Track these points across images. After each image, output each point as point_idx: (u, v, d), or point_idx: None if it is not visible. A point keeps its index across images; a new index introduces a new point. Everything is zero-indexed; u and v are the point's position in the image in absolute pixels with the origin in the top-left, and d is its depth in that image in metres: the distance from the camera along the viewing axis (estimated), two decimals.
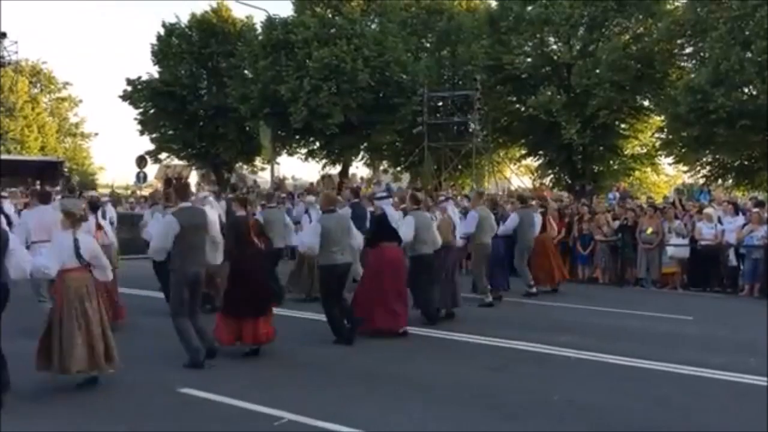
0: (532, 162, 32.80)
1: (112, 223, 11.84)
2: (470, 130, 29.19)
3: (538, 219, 12.95)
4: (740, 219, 14.36)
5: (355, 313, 8.57)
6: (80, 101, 47.39)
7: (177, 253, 7.09)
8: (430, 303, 9.69)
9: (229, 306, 7.49)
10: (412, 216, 9.39)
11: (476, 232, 11.10)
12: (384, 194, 12.45)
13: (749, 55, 22.06)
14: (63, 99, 47.02)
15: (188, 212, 7.32)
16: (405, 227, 9.34)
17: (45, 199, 9.25)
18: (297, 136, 29.84)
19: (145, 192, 27.25)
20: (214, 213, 9.20)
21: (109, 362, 6.26)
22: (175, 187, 8.35)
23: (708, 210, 14.84)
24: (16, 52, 35.52)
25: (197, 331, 7.17)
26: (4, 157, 31.86)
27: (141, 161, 29.03)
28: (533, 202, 13.73)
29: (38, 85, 46.00)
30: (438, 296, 9.77)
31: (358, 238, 8.90)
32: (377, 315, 8.66)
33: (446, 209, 11.17)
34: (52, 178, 24.66)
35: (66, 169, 30.07)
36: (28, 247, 7.60)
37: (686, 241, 14.52)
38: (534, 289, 12.60)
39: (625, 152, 29.54)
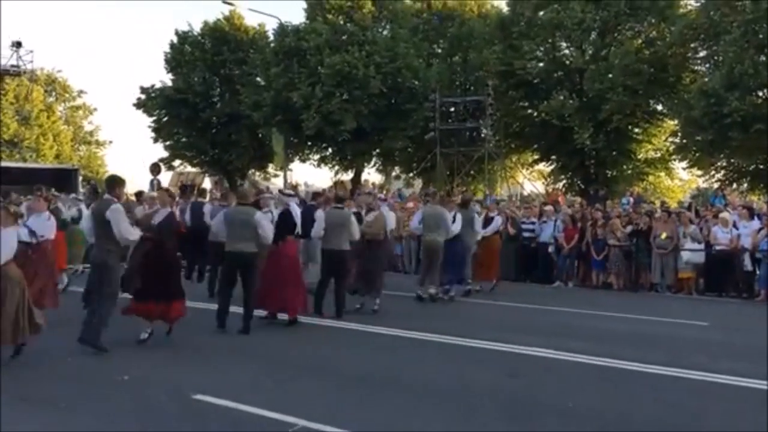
0: (545, 167, 32.68)
1: None
2: (482, 135, 29.17)
3: (478, 220, 13.27)
4: (756, 223, 14.24)
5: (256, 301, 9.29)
6: (95, 109, 47.77)
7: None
8: (321, 296, 10.38)
9: None
10: (323, 212, 10.15)
11: (423, 228, 12.08)
12: (290, 192, 13.07)
13: (763, 58, 21.93)
14: (78, 107, 47.37)
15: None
16: (316, 223, 10.31)
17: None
18: (309, 143, 29.93)
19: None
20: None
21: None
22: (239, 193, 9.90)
23: (723, 214, 14.73)
24: (32, 62, 35.92)
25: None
26: (21, 165, 32.18)
27: (155, 168, 29.14)
28: (475, 205, 14.49)
29: (53, 93, 46.39)
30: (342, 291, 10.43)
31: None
32: (270, 300, 9.54)
33: (380, 207, 12.10)
34: (67, 185, 24.81)
35: (81, 176, 30.20)
36: None
37: (701, 246, 14.41)
38: (469, 287, 12.89)
39: (639, 157, 29.37)
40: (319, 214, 10.48)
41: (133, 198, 13.99)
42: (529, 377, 7.26)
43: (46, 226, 9.73)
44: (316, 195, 12.64)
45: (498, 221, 14.24)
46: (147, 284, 8.15)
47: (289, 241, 9.83)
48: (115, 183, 8.18)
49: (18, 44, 35.29)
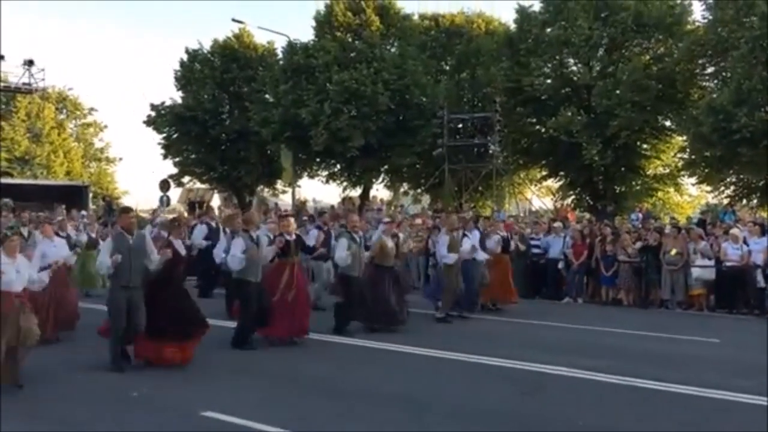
0: (553, 183, 32.64)
1: None
2: (490, 151, 29.19)
3: (467, 241, 12.58)
4: (766, 240, 14.15)
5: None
6: (105, 127, 48.02)
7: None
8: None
9: None
10: (241, 239, 9.51)
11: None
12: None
13: None
14: (88, 125, 47.69)
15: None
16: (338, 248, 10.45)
17: None
18: (318, 159, 30.01)
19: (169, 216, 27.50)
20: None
21: None
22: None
23: (734, 231, 14.65)
24: (44, 80, 36.31)
25: None
26: (32, 182, 32.42)
27: (164, 185, 29.32)
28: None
29: (64, 111, 46.74)
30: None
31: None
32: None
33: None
34: (78, 202, 24.99)
35: (94, 194, 30.46)
36: None
37: (712, 263, 14.33)
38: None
39: (647, 173, 29.28)
40: (342, 241, 10.54)
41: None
42: (540, 395, 7.22)
43: (56, 253, 9.68)
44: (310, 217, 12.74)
45: (493, 240, 13.57)
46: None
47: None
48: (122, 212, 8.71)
49: (30, 62, 35.70)
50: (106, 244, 8.16)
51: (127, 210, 8.94)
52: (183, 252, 8.48)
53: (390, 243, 11.10)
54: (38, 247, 9.94)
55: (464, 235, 12.36)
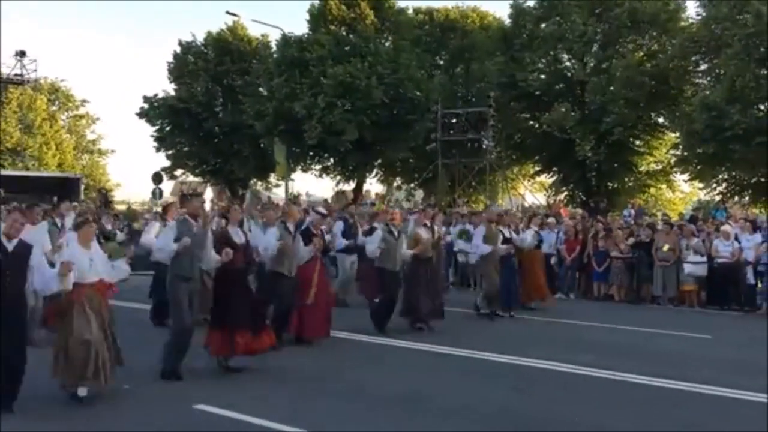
0: (546, 179, 32.74)
1: None
2: (484, 146, 29.24)
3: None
4: (758, 236, 14.22)
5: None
6: (98, 119, 47.72)
7: None
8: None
9: None
10: (275, 228, 9.21)
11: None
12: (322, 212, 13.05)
13: (764, 71, 22.01)
14: (81, 116, 47.42)
15: None
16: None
17: None
18: (311, 153, 30.00)
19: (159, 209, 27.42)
20: None
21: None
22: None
23: (725, 227, 14.71)
24: (35, 71, 36.12)
25: None
26: (23, 173, 32.23)
27: (157, 178, 29.21)
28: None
29: (56, 102, 46.44)
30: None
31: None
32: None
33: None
34: (70, 194, 24.86)
35: (83, 185, 30.31)
36: None
37: (704, 259, 14.40)
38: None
39: (640, 169, 29.42)
40: (377, 233, 10.36)
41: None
42: (535, 391, 7.24)
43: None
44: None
45: (528, 235, 13.08)
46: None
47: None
48: (184, 198, 7.90)
49: (22, 53, 35.49)
50: (166, 229, 7.59)
51: (197, 194, 8.20)
52: (240, 240, 7.82)
53: (425, 234, 10.59)
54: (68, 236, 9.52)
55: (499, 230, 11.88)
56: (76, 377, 6.09)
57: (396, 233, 10.19)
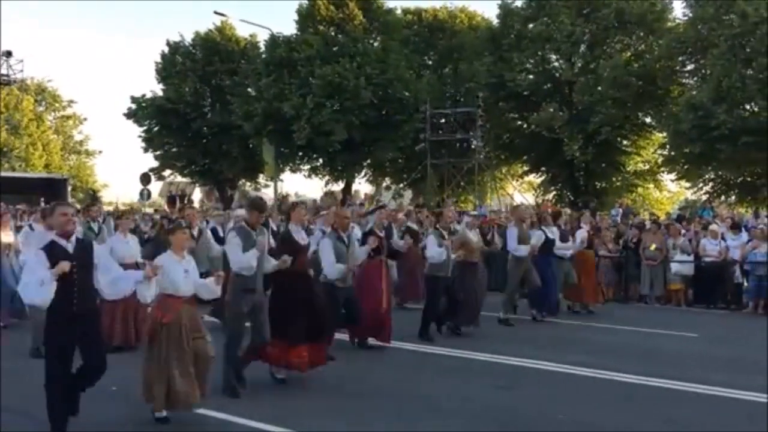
0: (535, 178, 32.88)
1: None
2: (472, 146, 29.32)
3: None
4: (744, 235, 14.36)
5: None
6: (85, 119, 47.55)
7: None
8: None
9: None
10: (329, 239, 8.30)
11: None
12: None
13: (750, 72, 22.18)
14: (68, 117, 47.19)
15: None
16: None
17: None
18: (300, 153, 29.97)
19: (149, 209, 27.33)
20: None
21: None
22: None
23: (713, 227, 14.84)
24: (22, 71, 35.79)
25: None
26: (9, 174, 32.00)
27: (145, 178, 29.09)
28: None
29: (43, 103, 46.19)
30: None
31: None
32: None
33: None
34: (56, 195, 24.71)
35: (70, 186, 30.15)
36: None
37: (691, 258, 14.51)
38: None
39: (628, 169, 29.60)
40: (432, 238, 9.84)
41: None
42: (522, 389, 7.27)
43: (127, 251, 8.59)
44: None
45: (579, 236, 12.68)
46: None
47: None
48: (254, 208, 6.83)
49: (8, 53, 35.18)
50: (232, 243, 6.63)
51: (257, 202, 6.98)
52: (304, 241, 7.25)
53: (475, 237, 10.27)
54: (107, 242, 8.95)
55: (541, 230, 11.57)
56: (161, 404, 5.70)
57: (447, 236, 9.65)
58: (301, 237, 7.21)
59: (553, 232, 11.83)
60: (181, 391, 5.59)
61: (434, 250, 9.56)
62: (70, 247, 5.19)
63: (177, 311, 5.64)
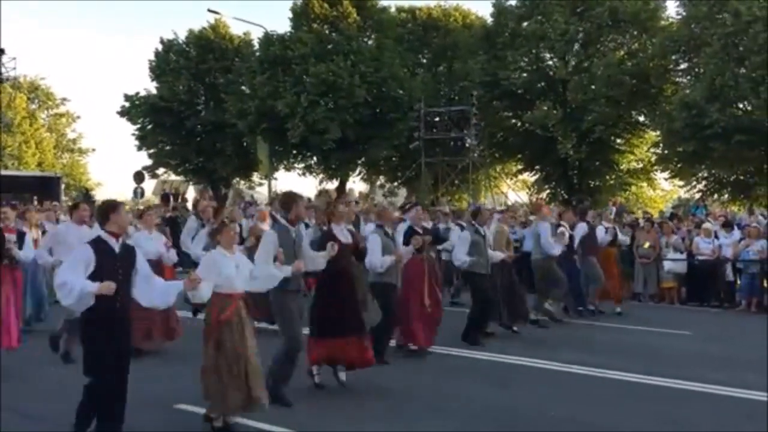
0: (529, 177, 32.92)
1: None
2: (467, 145, 29.35)
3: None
4: (737, 234, 14.41)
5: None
6: (78, 117, 47.31)
7: None
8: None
9: None
10: (377, 235, 8.18)
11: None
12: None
13: (743, 71, 22.26)
14: (61, 115, 46.97)
15: None
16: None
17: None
18: (294, 152, 29.93)
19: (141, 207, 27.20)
20: None
21: None
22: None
23: (706, 225, 14.90)
24: (15, 68, 35.56)
25: None
26: (2, 172, 31.85)
27: (138, 177, 29.01)
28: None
29: (36, 101, 45.97)
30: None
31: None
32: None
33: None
34: (50, 193, 24.62)
35: (64, 184, 30.06)
36: None
37: (684, 256, 14.55)
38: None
39: (621, 167, 29.68)
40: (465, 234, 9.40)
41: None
42: (515, 388, 7.28)
43: (152, 247, 8.27)
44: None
45: (601, 232, 12.56)
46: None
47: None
48: (292, 201, 6.58)
49: (1, 51, 35.00)
50: (267, 242, 6.24)
51: (293, 197, 6.71)
52: (348, 240, 6.99)
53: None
54: (132, 238, 8.65)
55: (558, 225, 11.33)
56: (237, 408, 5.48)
57: (483, 233, 9.33)
58: (344, 236, 6.95)
59: (581, 230, 11.81)
60: (257, 389, 5.43)
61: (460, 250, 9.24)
62: (117, 247, 4.98)
63: (234, 308, 5.50)
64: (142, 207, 15.04)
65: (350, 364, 6.86)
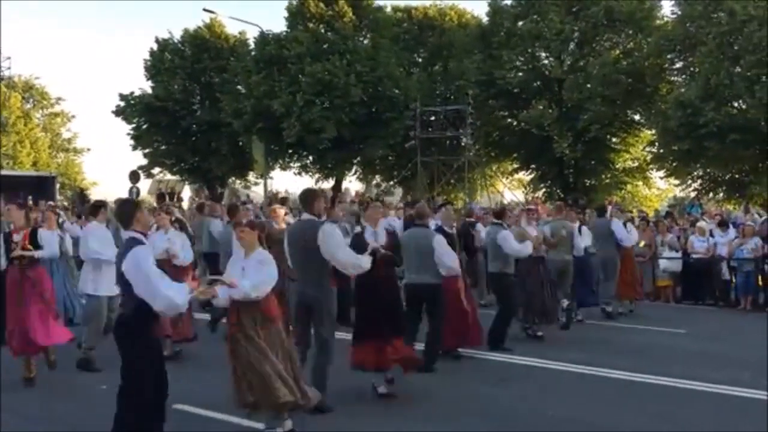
0: (525, 176, 32.96)
1: None
2: (462, 144, 29.37)
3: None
4: (732, 232, 14.46)
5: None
6: (73, 117, 47.10)
7: None
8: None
9: None
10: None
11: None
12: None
13: (738, 70, 22.32)
14: (56, 114, 46.78)
15: None
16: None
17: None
18: (290, 151, 29.89)
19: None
20: None
21: None
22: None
23: (701, 224, 14.95)
24: (9, 68, 35.58)
25: None
26: None
27: (134, 176, 28.93)
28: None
29: (31, 100, 45.78)
30: None
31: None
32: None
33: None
34: (45, 193, 24.52)
35: (59, 184, 29.95)
36: None
37: (679, 255, 14.60)
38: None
39: (617, 166, 29.74)
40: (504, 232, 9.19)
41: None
42: (517, 387, 7.30)
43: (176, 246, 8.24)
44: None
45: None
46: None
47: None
48: (314, 198, 6.36)
49: None
50: (333, 233, 6.15)
51: (322, 196, 6.70)
52: (375, 242, 6.75)
53: (534, 231, 9.97)
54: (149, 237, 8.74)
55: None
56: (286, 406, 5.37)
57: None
58: (372, 239, 6.81)
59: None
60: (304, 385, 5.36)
61: (512, 246, 9.07)
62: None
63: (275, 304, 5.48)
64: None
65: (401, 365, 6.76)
